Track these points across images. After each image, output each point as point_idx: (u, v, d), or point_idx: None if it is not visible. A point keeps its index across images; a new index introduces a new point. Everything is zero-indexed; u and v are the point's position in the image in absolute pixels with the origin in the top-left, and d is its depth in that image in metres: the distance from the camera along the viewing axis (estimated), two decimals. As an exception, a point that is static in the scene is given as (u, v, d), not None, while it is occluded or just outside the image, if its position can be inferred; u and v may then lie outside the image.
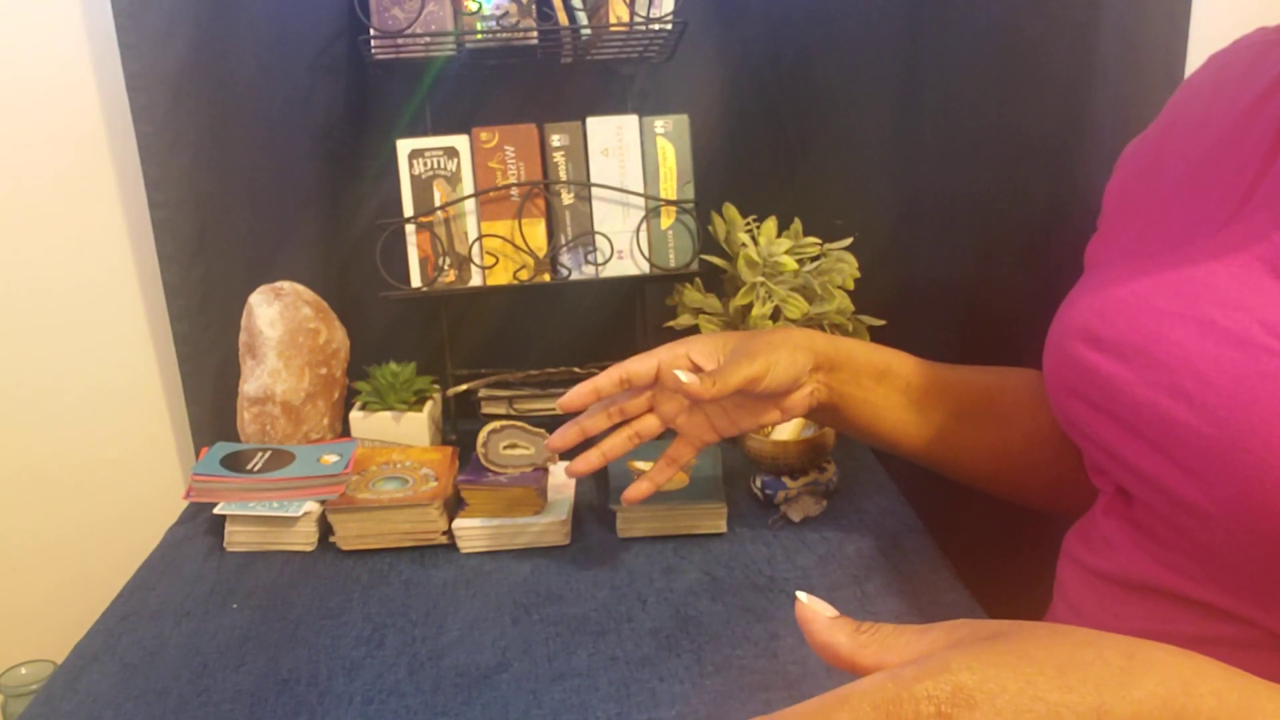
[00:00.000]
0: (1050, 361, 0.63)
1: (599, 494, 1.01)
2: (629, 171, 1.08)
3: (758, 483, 0.98)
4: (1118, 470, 0.57)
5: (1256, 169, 0.54)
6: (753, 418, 0.77)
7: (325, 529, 0.94)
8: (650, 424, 0.79)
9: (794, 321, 1.08)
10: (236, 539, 0.94)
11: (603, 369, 1.11)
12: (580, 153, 1.07)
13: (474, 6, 1.03)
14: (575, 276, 1.09)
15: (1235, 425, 0.46)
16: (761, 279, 1.08)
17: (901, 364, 0.79)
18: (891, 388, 0.78)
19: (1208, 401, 0.48)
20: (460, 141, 1.06)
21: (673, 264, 1.10)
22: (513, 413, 1.09)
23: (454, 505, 0.94)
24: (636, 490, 0.80)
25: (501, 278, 1.08)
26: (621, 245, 1.09)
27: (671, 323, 1.15)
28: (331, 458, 1.00)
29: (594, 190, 1.08)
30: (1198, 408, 0.49)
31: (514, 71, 1.12)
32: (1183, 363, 0.50)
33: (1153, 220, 0.61)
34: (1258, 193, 0.54)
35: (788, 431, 1.01)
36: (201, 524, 0.98)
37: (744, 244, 1.09)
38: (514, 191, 1.07)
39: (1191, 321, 0.51)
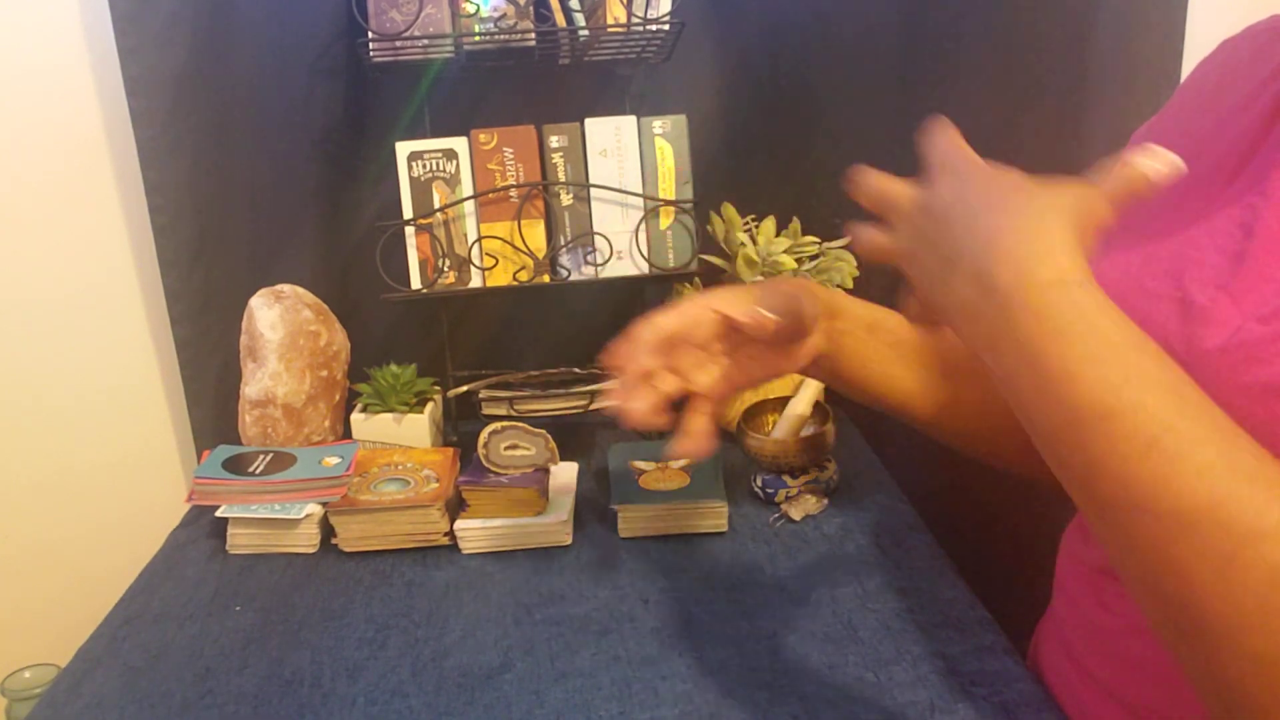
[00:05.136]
0: None
1: (600, 494, 1.01)
2: (627, 172, 1.08)
3: (758, 481, 0.98)
4: None
5: (1249, 144, 0.55)
6: (764, 367, 0.73)
7: (327, 531, 0.94)
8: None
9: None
10: (239, 541, 0.94)
11: (603, 370, 1.13)
12: (579, 154, 1.07)
13: (471, 9, 1.03)
14: (575, 277, 1.09)
15: None
16: (761, 278, 1.08)
17: (890, 319, 0.78)
18: (882, 341, 0.77)
19: None
20: (459, 143, 1.07)
21: (672, 264, 1.10)
22: (513, 414, 1.09)
23: (455, 506, 0.95)
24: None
25: (501, 279, 1.08)
26: (620, 246, 1.09)
27: (671, 323, 1.15)
28: (333, 460, 1.00)
29: (593, 191, 1.08)
30: None
31: (512, 73, 1.12)
32: (1163, 345, 0.51)
33: (1155, 199, 0.62)
34: (1248, 166, 0.55)
35: (787, 430, 1.01)
36: (204, 527, 0.98)
37: (743, 244, 1.09)
38: (513, 193, 1.07)
39: (1174, 303, 0.52)
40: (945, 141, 0.53)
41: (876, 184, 0.56)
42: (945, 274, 0.48)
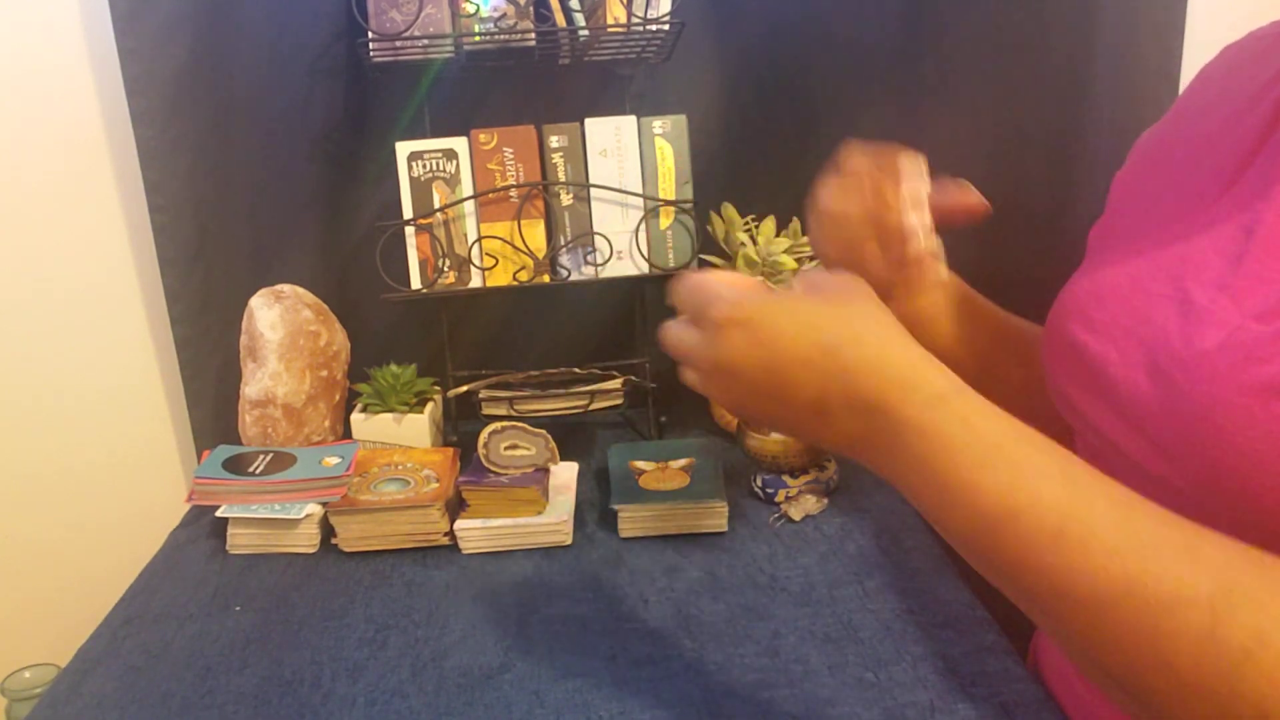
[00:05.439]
0: (1048, 342, 0.64)
1: (600, 494, 1.01)
2: (627, 172, 1.08)
3: (758, 481, 0.98)
4: (1106, 450, 0.58)
5: (1250, 147, 0.55)
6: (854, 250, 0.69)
7: (327, 531, 0.94)
8: None
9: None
10: (239, 541, 0.94)
11: (603, 369, 1.13)
12: (579, 154, 1.07)
13: (471, 9, 1.03)
14: (575, 277, 1.09)
15: (1197, 398, 0.47)
16: (761, 278, 1.08)
17: (954, 280, 0.78)
18: (945, 296, 0.77)
19: (1176, 378, 0.49)
20: (459, 143, 1.07)
21: (672, 264, 1.10)
22: (513, 413, 1.09)
23: (455, 506, 0.95)
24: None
25: (501, 279, 1.08)
26: (620, 246, 1.09)
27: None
28: (333, 460, 1.00)
29: (593, 191, 1.08)
30: (1168, 385, 0.50)
31: (512, 73, 1.12)
32: (1163, 343, 0.51)
33: (1155, 202, 0.62)
34: (1249, 169, 0.55)
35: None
36: (204, 527, 0.98)
37: (743, 243, 1.09)
38: (513, 193, 1.07)
39: (1175, 303, 0.53)
40: (706, 289, 0.52)
41: (666, 338, 0.56)
42: (814, 420, 0.49)
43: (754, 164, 1.18)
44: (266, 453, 1.02)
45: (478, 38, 1.04)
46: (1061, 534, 0.41)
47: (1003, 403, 0.77)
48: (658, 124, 1.08)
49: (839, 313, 0.49)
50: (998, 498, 0.43)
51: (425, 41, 1.03)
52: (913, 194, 0.65)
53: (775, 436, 1.00)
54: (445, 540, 0.92)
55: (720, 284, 0.52)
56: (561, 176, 1.07)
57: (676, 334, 0.54)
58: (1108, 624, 0.40)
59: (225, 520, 0.94)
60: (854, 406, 0.47)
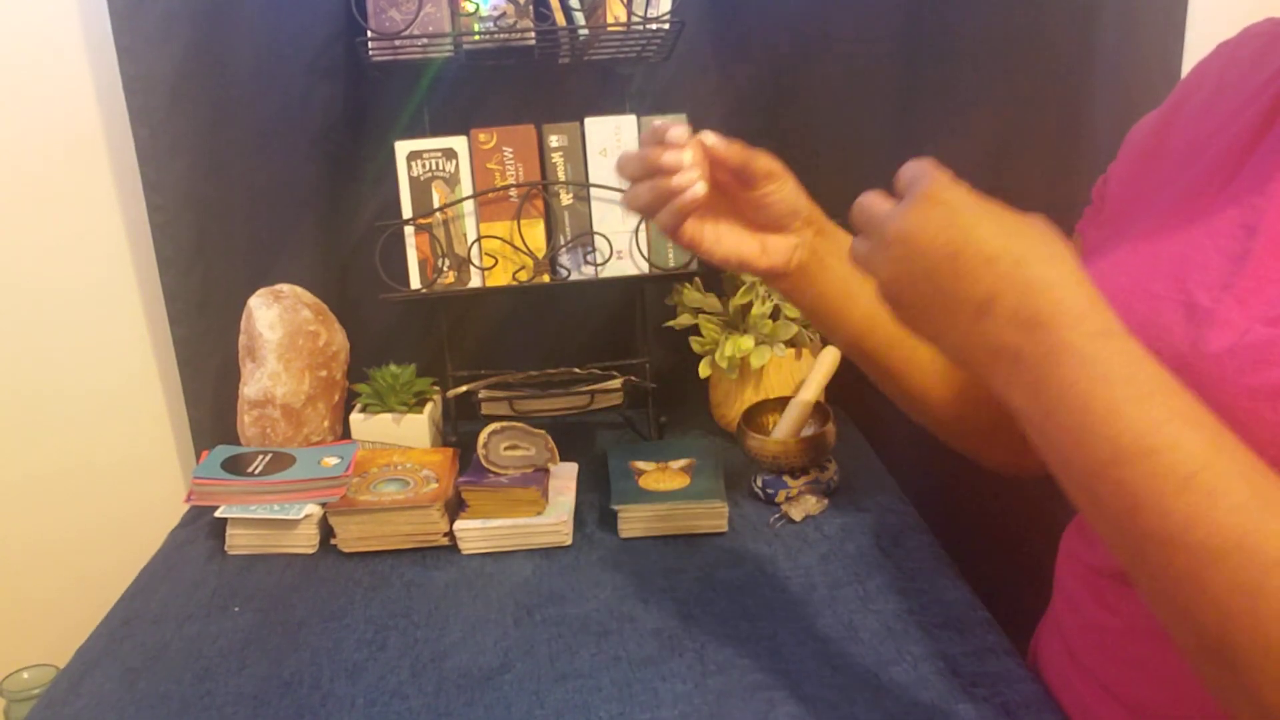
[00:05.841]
0: None
1: (600, 494, 1.01)
2: (627, 171, 1.08)
3: (758, 482, 0.98)
4: None
5: (1246, 143, 0.55)
6: (735, 241, 0.73)
7: (326, 531, 0.94)
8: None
9: (792, 320, 1.08)
10: (238, 542, 0.94)
11: (603, 369, 1.13)
12: (579, 153, 1.07)
13: (471, 8, 1.03)
14: (574, 277, 1.09)
15: (1205, 403, 0.47)
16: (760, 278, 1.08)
17: None
18: (869, 284, 0.76)
19: (1183, 382, 0.49)
20: (458, 143, 1.06)
21: (672, 264, 1.10)
22: (513, 413, 1.09)
23: (455, 507, 0.94)
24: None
25: (501, 279, 1.08)
26: (620, 245, 1.09)
27: (671, 322, 1.15)
28: (332, 460, 1.00)
29: (592, 190, 1.08)
30: None
31: (512, 72, 1.12)
32: (1168, 347, 0.51)
33: (1151, 198, 0.62)
34: (1246, 165, 0.55)
35: (788, 431, 1.01)
36: (203, 527, 0.98)
37: (743, 243, 1.09)
38: (513, 192, 1.07)
39: (1180, 306, 0.53)
40: (928, 169, 0.53)
41: (864, 202, 0.56)
42: (969, 319, 0.49)
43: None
44: (265, 453, 1.02)
45: (477, 37, 1.04)
46: (1192, 479, 0.41)
47: (916, 374, 0.76)
48: (658, 123, 1.07)
49: (1036, 234, 0.50)
50: (1140, 432, 0.43)
51: (424, 40, 1.03)
52: (680, 154, 0.71)
53: (775, 437, 1.00)
54: (445, 540, 0.92)
55: (942, 170, 0.53)
56: (561, 176, 1.07)
57: (877, 200, 0.54)
58: (1212, 576, 0.40)
59: (224, 520, 0.93)
60: (1019, 318, 0.47)
